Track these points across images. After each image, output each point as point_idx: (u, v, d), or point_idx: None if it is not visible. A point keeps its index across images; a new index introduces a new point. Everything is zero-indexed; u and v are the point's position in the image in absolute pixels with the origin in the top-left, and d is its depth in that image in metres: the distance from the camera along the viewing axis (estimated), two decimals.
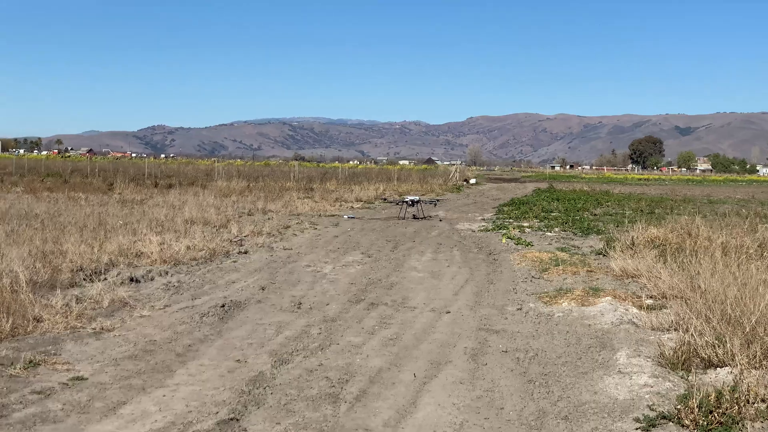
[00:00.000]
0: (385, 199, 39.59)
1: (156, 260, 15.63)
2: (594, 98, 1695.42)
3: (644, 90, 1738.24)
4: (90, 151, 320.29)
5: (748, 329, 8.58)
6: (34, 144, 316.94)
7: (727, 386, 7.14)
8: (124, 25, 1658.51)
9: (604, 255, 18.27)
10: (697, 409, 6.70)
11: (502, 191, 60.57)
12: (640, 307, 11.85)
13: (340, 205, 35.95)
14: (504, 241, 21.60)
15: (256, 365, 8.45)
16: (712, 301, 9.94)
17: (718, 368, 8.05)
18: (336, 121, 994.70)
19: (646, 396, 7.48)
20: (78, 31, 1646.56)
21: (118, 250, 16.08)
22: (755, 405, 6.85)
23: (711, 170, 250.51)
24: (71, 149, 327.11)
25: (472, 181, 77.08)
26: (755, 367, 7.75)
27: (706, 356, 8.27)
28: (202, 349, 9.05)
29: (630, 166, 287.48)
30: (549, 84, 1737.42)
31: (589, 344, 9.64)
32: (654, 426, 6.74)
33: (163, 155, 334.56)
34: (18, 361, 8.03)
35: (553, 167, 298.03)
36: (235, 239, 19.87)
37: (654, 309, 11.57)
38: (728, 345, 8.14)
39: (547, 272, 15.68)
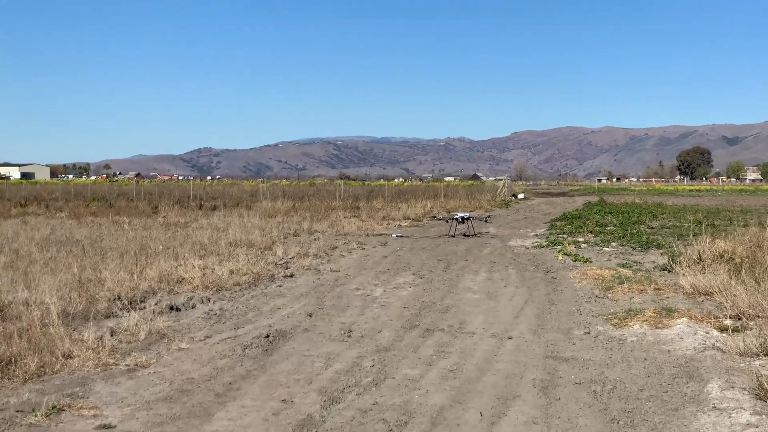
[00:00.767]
0: (434, 217, 38.70)
1: (198, 286, 14.90)
2: (639, 110, 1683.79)
3: (690, 100, 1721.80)
4: (138, 175, 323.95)
5: None
6: (82, 169, 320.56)
7: None
8: (168, 51, 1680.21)
9: (669, 271, 17.23)
10: None
11: (552, 206, 59.32)
12: (721, 329, 10.84)
13: (388, 224, 35.09)
14: (560, 257, 20.60)
15: (303, 406, 7.60)
16: None
17: None
18: (380, 140, 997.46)
19: None
20: (125, 58, 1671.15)
21: (158, 277, 15.40)
22: None
23: (761, 179, 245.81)
24: (119, 173, 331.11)
25: (521, 196, 75.88)
26: None
27: None
28: (244, 388, 8.22)
29: (678, 177, 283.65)
30: (593, 97, 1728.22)
31: (673, 374, 8.66)
32: None
33: (209, 177, 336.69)
34: (40, 407, 7.25)
35: (599, 180, 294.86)
36: (281, 262, 19.11)
37: (737, 331, 10.57)
38: None
39: (611, 291, 14.69)
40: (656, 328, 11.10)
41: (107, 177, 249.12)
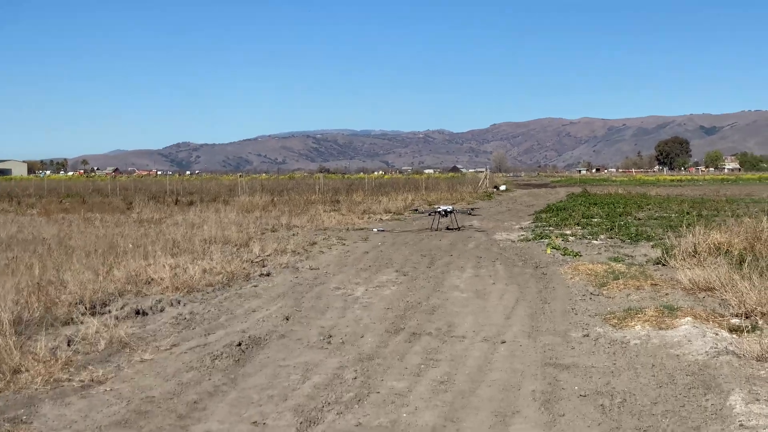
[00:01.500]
0: (416, 210, 37.76)
1: (167, 287, 13.96)
2: (617, 101, 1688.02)
3: (668, 91, 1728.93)
4: (116, 170, 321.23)
5: None
6: (60, 165, 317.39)
7: None
8: (145, 46, 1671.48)
9: (663, 264, 16.48)
10: None
11: (535, 197, 58.61)
12: (731, 330, 10.05)
13: (369, 218, 34.20)
14: (548, 251, 19.80)
15: (277, 430, 6.73)
16: None
17: None
18: (359, 133, 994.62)
19: None
20: (101, 52, 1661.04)
21: (125, 278, 14.47)
22: None
23: (739, 169, 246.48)
24: (97, 169, 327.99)
25: (502, 187, 75.13)
26: None
27: None
28: (210, 407, 7.32)
29: (657, 167, 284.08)
30: (572, 88, 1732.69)
31: (688, 384, 7.82)
32: None
33: (188, 172, 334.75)
34: None
35: (579, 171, 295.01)
36: (257, 259, 18.19)
37: (747, 331, 9.78)
38: None
39: (606, 287, 13.88)
40: (659, 329, 10.30)
41: (85, 172, 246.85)
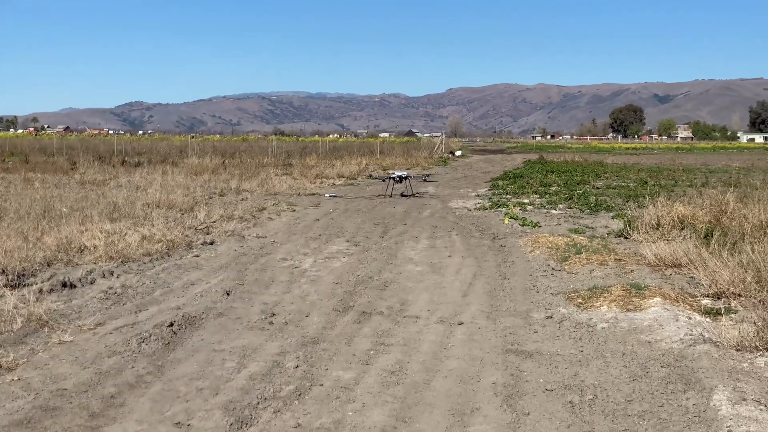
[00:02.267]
0: (370, 176, 36.78)
1: (101, 256, 12.97)
2: (573, 68, 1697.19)
3: (623, 59, 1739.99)
4: (67, 128, 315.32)
5: None
6: (9, 123, 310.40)
7: None
8: (100, 2, 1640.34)
9: (626, 237, 15.83)
10: None
11: (491, 163, 57.93)
12: (704, 312, 9.37)
13: (321, 182, 33.24)
14: (506, 221, 19.07)
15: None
16: None
17: None
18: (315, 95, 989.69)
19: None
20: (53, 7, 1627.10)
21: (57, 245, 13.45)
22: None
23: (692, 138, 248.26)
24: (47, 127, 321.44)
25: (458, 153, 74.30)
26: None
27: None
28: (129, 402, 6.42)
29: (611, 135, 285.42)
30: (528, 54, 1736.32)
31: (664, 378, 7.07)
32: None
33: (141, 132, 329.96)
34: None
35: (533, 137, 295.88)
36: (201, 226, 17.22)
37: (720, 314, 9.10)
38: None
39: (568, 262, 13.16)
40: (627, 310, 9.58)
41: (35, 130, 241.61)
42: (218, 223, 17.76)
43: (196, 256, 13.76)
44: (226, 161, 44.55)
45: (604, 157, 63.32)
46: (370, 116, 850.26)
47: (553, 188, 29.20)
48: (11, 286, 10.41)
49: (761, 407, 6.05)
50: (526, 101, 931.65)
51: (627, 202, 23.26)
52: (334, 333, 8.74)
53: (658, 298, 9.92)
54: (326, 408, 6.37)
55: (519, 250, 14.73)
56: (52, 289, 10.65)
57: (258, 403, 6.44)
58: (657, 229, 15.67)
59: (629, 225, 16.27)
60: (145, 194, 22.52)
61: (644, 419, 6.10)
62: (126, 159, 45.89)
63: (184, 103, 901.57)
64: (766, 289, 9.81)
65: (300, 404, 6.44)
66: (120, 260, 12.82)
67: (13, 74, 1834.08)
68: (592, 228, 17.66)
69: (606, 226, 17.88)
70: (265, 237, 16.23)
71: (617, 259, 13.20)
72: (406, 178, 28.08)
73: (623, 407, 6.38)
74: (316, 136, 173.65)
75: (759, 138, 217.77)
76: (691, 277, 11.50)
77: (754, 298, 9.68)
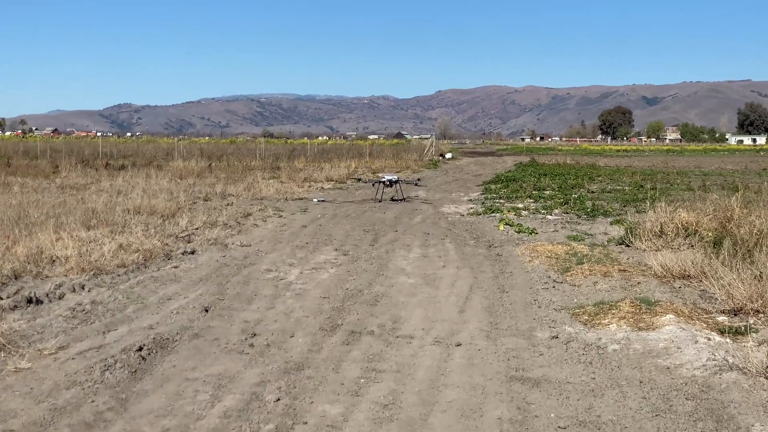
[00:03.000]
0: (359, 179, 35.97)
1: (73, 268, 12.13)
2: (561, 70, 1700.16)
3: (611, 61, 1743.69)
4: (55, 131, 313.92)
5: None
6: None
7: None
8: (88, 2, 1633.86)
9: (627, 245, 15.12)
10: None
11: (482, 166, 57.18)
12: (722, 332, 8.60)
13: (309, 186, 32.41)
14: (501, 228, 18.30)
15: None
16: None
17: None
18: (304, 97, 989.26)
19: None
20: (42, 9, 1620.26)
21: (26, 255, 12.60)
22: None
23: (680, 140, 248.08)
24: (35, 129, 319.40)
25: (448, 155, 73.50)
26: None
27: None
28: None
29: (600, 136, 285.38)
30: (517, 56, 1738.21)
31: (690, 412, 6.27)
32: None
33: (129, 134, 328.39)
34: None
35: (523, 139, 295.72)
36: (182, 234, 16.39)
37: (741, 333, 8.36)
38: None
39: (569, 273, 12.39)
40: (639, 329, 8.81)
41: (22, 133, 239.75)
42: (201, 231, 16.95)
43: (175, 267, 12.93)
44: (213, 164, 43.65)
45: (595, 160, 62.72)
46: (359, 118, 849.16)
47: (548, 192, 28.45)
48: None
49: None
50: (515, 103, 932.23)
51: (625, 206, 22.58)
52: (320, 357, 7.94)
53: (670, 315, 9.16)
54: None
55: (517, 260, 13.96)
56: (15, 306, 9.83)
57: None
58: (660, 236, 14.97)
59: (631, 232, 15.55)
60: (126, 199, 21.66)
61: None
62: (110, 162, 44.92)
63: (173, 105, 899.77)
64: None
65: None
66: (92, 272, 11.98)
67: (0, 76, 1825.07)
68: (591, 235, 16.92)
69: (605, 233, 17.15)
70: (250, 245, 15.42)
71: (621, 269, 12.44)
72: (396, 182, 27.28)
73: None
74: (305, 138, 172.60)
75: (747, 140, 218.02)
76: (703, 290, 10.79)
77: None
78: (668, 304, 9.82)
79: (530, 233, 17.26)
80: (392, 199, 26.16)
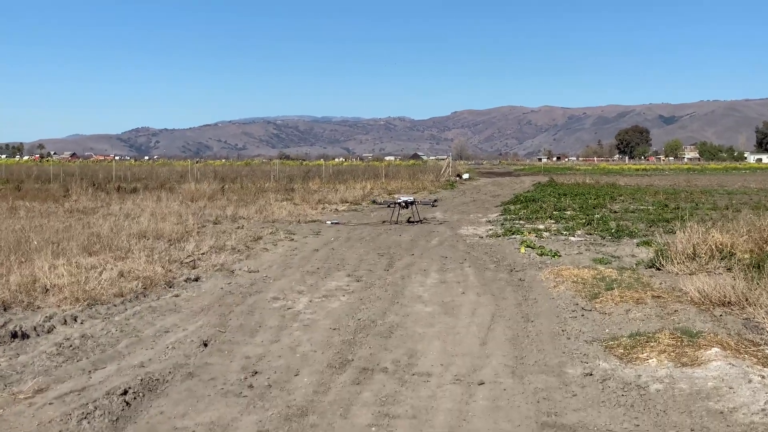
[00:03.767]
0: (374, 201, 35.10)
1: (66, 298, 11.35)
2: (577, 90, 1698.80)
3: (627, 80, 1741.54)
4: (73, 155, 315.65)
5: None
6: (15, 149, 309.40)
7: None
8: (107, 28, 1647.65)
9: (658, 269, 14.17)
10: None
11: (499, 186, 56.28)
12: None
13: (323, 208, 31.59)
14: (523, 250, 17.40)
15: None
16: None
17: None
18: (320, 119, 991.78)
19: None
20: (62, 34, 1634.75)
21: (17, 284, 11.83)
22: None
23: (699, 158, 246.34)
24: (54, 153, 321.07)
25: (465, 176, 72.68)
26: None
27: None
28: None
29: (617, 156, 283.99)
30: (533, 77, 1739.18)
31: None
32: None
33: (146, 157, 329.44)
34: None
35: (540, 159, 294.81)
36: (187, 259, 15.59)
37: None
38: None
39: (598, 299, 11.49)
40: (683, 365, 7.90)
41: (40, 157, 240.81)
42: (207, 255, 16.16)
43: (176, 295, 12.13)
44: (226, 186, 42.99)
45: (615, 179, 61.75)
46: (375, 139, 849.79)
47: (569, 212, 27.52)
48: None
49: None
50: (531, 123, 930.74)
51: (650, 227, 21.63)
52: (327, 400, 7.08)
53: (716, 349, 8.26)
54: None
55: (541, 285, 13.06)
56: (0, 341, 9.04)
57: None
58: (693, 259, 14.07)
59: (661, 254, 14.61)
60: (134, 223, 20.93)
61: None
62: (122, 185, 44.29)
63: (190, 128, 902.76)
64: None
65: None
66: (87, 302, 11.19)
67: (20, 101, 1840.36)
68: (618, 257, 16.01)
69: (633, 255, 16.24)
70: (257, 271, 14.59)
71: (655, 295, 11.53)
72: (412, 203, 26.41)
73: None
74: (321, 159, 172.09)
75: (766, 158, 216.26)
76: (746, 318, 9.91)
77: None
78: (712, 335, 8.91)
79: (553, 256, 16.37)
80: (408, 221, 25.31)
